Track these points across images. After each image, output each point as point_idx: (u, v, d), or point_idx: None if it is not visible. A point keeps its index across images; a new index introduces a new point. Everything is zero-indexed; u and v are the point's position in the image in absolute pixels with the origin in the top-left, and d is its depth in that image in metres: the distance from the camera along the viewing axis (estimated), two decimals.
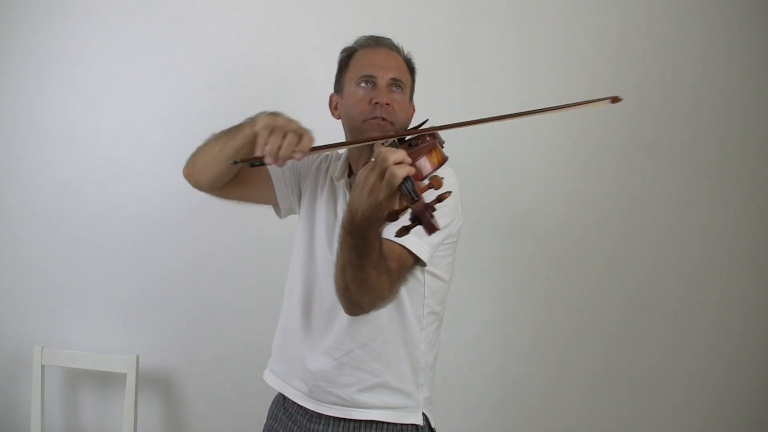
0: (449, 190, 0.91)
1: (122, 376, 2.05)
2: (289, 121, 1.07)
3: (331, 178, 1.37)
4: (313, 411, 1.29)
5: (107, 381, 2.16)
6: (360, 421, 1.26)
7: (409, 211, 0.91)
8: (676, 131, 2.03)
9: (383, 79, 1.27)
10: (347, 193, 1.31)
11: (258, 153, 1.04)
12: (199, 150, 1.31)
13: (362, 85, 1.27)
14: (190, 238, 2.14)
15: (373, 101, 1.24)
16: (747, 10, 2.01)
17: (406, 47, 1.37)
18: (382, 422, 1.27)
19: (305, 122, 2.21)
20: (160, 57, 2.15)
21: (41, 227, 2.20)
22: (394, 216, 0.94)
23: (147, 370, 2.13)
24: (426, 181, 0.92)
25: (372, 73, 1.27)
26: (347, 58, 1.34)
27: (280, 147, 1.03)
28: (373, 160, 0.93)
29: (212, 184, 1.34)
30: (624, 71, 2.03)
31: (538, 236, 2.05)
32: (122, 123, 2.17)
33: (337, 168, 1.36)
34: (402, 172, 0.89)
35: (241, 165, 1.07)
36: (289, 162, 1.37)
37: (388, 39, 1.35)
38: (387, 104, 1.24)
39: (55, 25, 2.17)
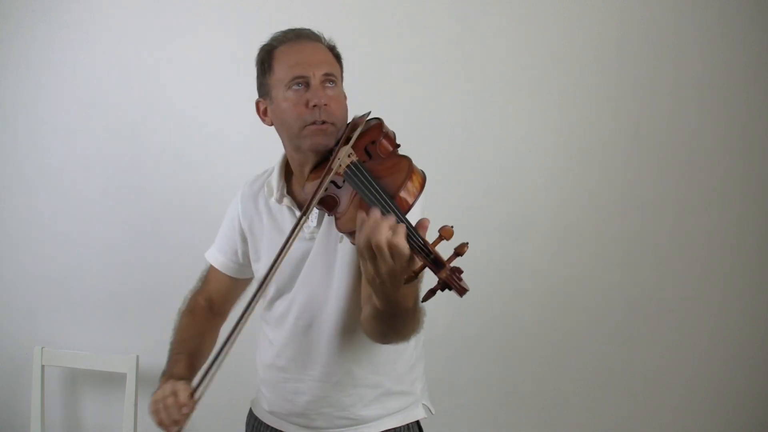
0: (465, 241, 0.87)
1: (122, 376, 2.05)
2: (164, 395, 1.14)
3: (268, 201, 1.28)
4: None
5: (107, 381, 2.16)
6: None
7: (437, 280, 0.88)
8: (677, 131, 2.03)
9: (315, 77, 1.16)
10: (295, 211, 1.23)
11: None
12: None
13: (294, 87, 1.16)
14: (190, 238, 2.14)
15: (310, 104, 1.14)
16: (747, 10, 2.01)
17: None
18: (391, 429, 1.26)
19: None
20: (158, 57, 2.15)
21: (41, 227, 2.20)
22: (413, 278, 0.90)
23: (147, 370, 2.12)
24: (436, 234, 0.88)
25: (302, 73, 1.16)
26: (267, 57, 1.22)
27: (170, 416, 1.12)
28: (366, 253, 0.87)
29: None
30: (624, 71, 2.02)
31: (538, 236, 2.05)
32: (122, 123, 2.17)
33: (273, 189, 1.26)
34: (401, 240, 0.85)
35: None
36: (225, 241, 1.40)
37: (308, 29, 1.25)
38: (325, 104, 1.15)
39: (54, 25, 2.17)
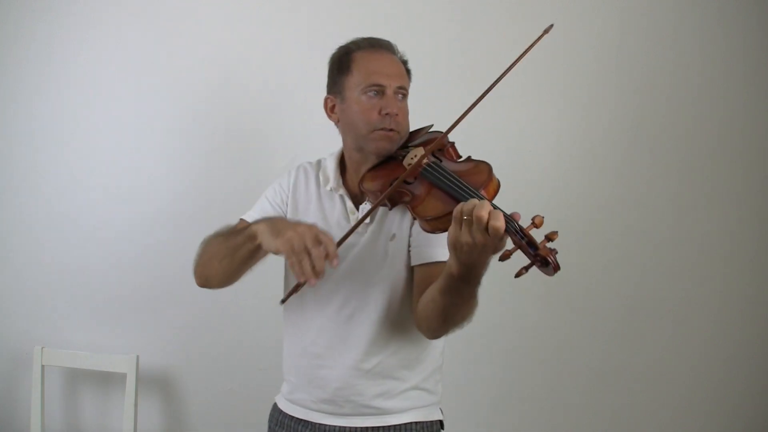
0: (555, 230, 0.95)
1: (122, 376, 2.05)
2: (299, 234, 1.03)
3: (319, 188, 1.35)
4: (347, 427, 1.28)
5: (107, 381, 2.16)
6: (396, 425, 1.28)
7: (537, 256, 0.96)
8: (676, 131, 2.03)
9: (391, 88, 1.25)
10: (347, 200, 1.30)
11: (299, 279, 1.03)
12: (205, 263, 1.33)
13: (369, 93, 1.25)
14: (190, 238, 2.12)
15: (383, 112, 1.24)
16: (747, 11, 2.01)
17: (407, 47, 1.35)
18: (415, 422, 1.30)
19: (302, 122, 2.20)
20: (158, 57, 2.16)
21: (41, 228, 2.20)
22: (507, 257, 0.98)
23: (147, 370, 2.13)
24: (529, 221, 0.96)
25: (380, 83, 1.25)
26: (346, 59, 1.29)
27: (313, 266, 1.01)
28: (465, 218, 0.93)
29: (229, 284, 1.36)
30: (624, 71, 2.02)
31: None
32: (121, 123, 2.17)
33: (330, 178, 1.33)
34: (500, 222, 0.92)
35: (291, 296, 1.11)
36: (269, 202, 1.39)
37: (387, 41, 1.32)
38: (396, 114, 1.25)
39: (54, 25, 2.17)
